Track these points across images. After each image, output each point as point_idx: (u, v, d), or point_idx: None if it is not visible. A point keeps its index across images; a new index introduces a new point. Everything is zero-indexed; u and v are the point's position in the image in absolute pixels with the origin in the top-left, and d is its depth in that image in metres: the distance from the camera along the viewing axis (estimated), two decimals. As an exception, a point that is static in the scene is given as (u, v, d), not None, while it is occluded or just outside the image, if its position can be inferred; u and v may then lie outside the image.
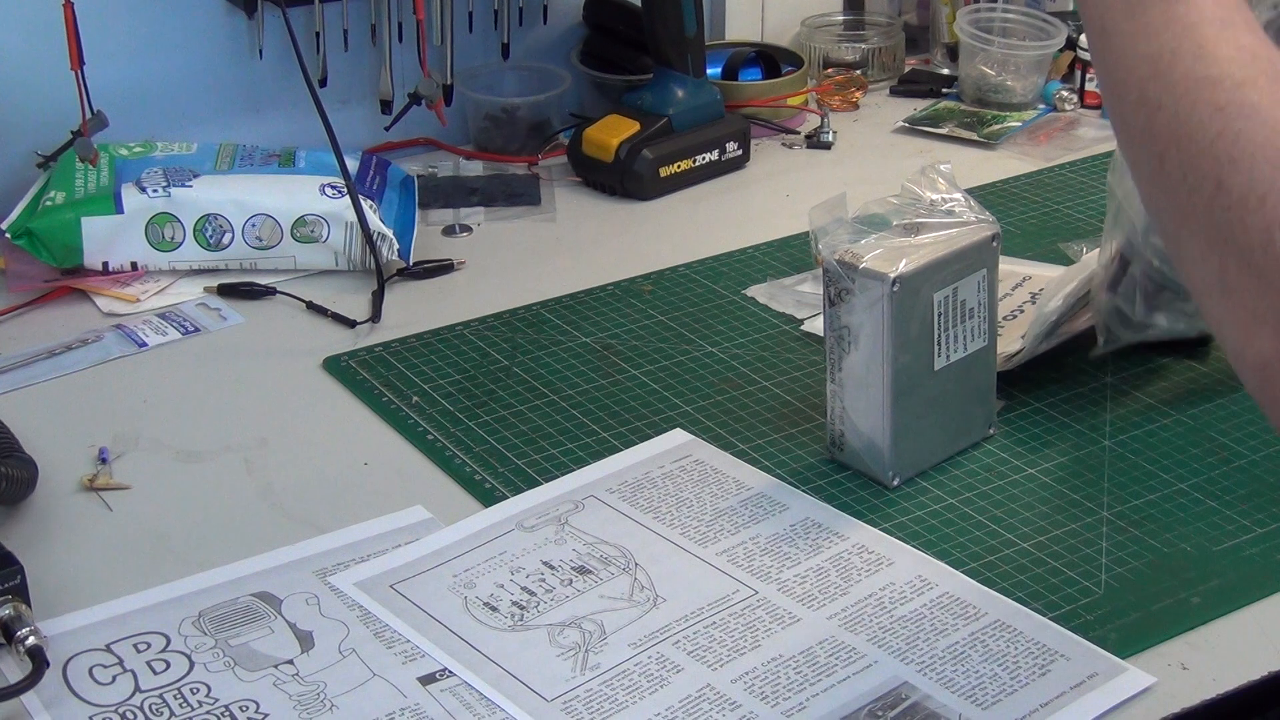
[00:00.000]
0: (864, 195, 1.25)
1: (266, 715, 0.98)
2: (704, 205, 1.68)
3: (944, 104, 1.92)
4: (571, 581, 1.09)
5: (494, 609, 1.07)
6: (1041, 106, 1.90)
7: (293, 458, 1.25)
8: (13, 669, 1.01)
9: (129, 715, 0.98)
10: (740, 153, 1.75)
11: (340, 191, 1.50)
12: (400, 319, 1.44)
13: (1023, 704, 0.98)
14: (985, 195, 1.65)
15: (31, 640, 1.00)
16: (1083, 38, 1.89)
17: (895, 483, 1.19)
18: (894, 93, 1.97)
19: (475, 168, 1.76)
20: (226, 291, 1.48)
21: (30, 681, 0.98)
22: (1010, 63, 1.89)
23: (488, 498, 1.19)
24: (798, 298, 1.46)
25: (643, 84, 1.75)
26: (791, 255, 1.55)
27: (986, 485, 1.20)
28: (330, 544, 1.14)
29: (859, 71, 1.96)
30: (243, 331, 1.43)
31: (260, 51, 1.69)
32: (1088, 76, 1.90)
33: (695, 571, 1.10)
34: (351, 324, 1.43)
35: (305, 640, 1.05)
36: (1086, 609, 1.07)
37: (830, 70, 1.96)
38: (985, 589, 1.08)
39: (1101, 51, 0.90)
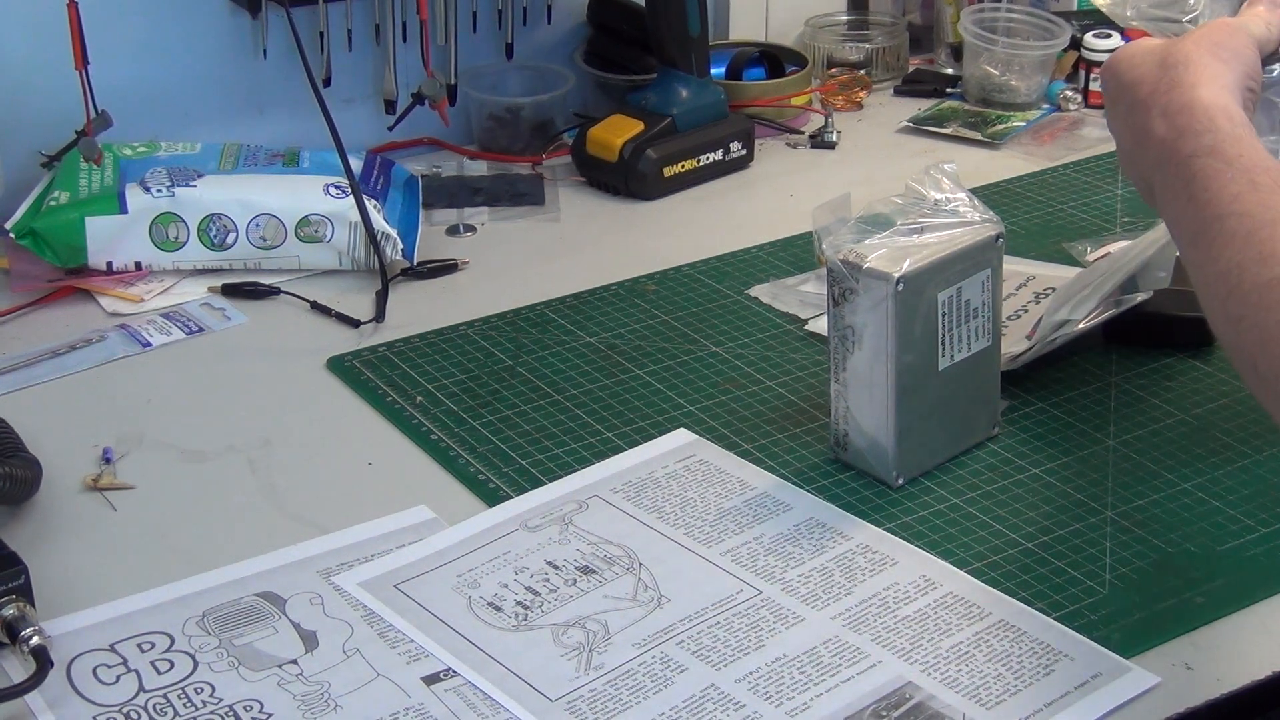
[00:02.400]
0: (868, 195, 1.25)
1: (270, 715, 0.98)
2: (708, 205, 1.68)
3: (948, 104, 1.92)
4: (575, 581, 1.09)
5: (498, 609, 1.07)
6: (1045, 106, 1.90)
7: (296, 458, 1.25)
8: (17, 669, 1.01)
9: (133, 715, 0.98)
10: (744, 153, 1.75)
11: (344, 191, 1.50)
12: (404, 319, 1.44)
13: (1027, 704, 0.98)
14: (989, 195, 1.65)
15: (35, 640, 1.00)
16: (1086, 37, 1.89)
17: (899, 482, 1.19)
18: (898, 93, 1.97)
19: (479, 167, 1.76)
20: (230, 291, 1.48)
21: (34, 681, 0.98)
22: (1014, 63, 1.89)
23: (491, 497, 1.19)
24: (801, 297, 1.46)
25: (647, 84, 1.75)
26: (795, 255, 1.55)
27: (990, 485, 1.20)
28: (334, 544, 1.14)
29: (863, 71, 1.96)
30: (246, 331, 1.44)
31: (264, 51, 1.69)
32: (1091, 76, 1.90)
33: (699, 571, 1.10)
34: (355, 324, 1.43)
35: (309, 640, 1.05)
36: (1090, 609, 1.07)
37: (834, 70, 1.96)
38: (989, 589, 1.08)
39: (1193, 282, 0.97)
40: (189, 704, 0.99)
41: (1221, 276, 0.92)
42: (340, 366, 1.37)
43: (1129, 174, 1.08)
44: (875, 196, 1.21)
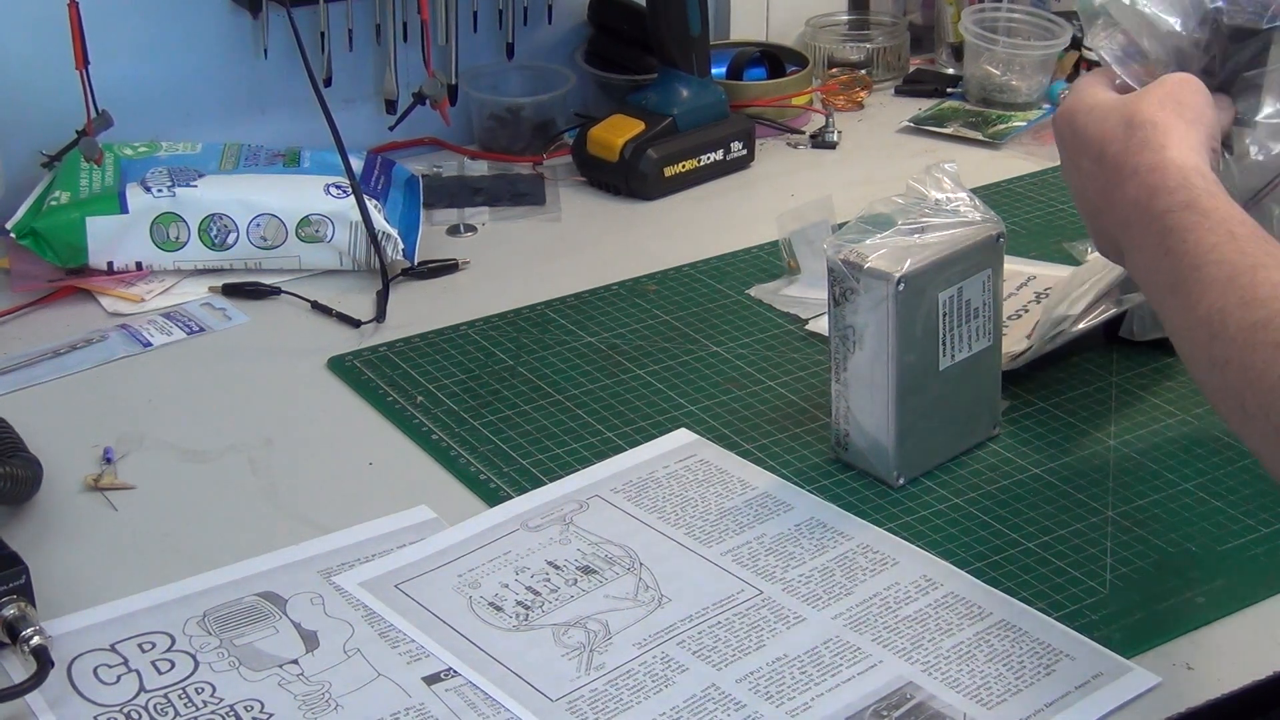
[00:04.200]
0: (868, 195, 1.25)
1: (271, 715, 0.98)
2: (708, 205, 1.68)
3: (949, 104, 1.92)
4: (576, 581, 1.09)
5: (499, 609, 1.07)
6: (1046, 106, 1.90)
7: (297, 458, 1.25)
8: (17, 669, 1.01)
9: (134, 715, 0.98)
10: (745, 152, 1.75)
11: (345, 191, 1.50)
12: (405, 319, 1.44)
13: (1027, 704, 0.98)
14: (990, 195, 1.65)
15: (36, 640, 1.00)
16: (1087, 37, 1.89)
17: (900, 482, 1.19)
18: (899, 92, 1.97)
19: (480, 167, 1.76)
20: (231, 291, 1.48)
21: (35, 681, 0.98)
22: (1015, 62, 1.89)
23: (492, 497, 1.19)
24: (786, 301, 1.46)
25: (647, 84, 1.75)
26: (796, 255, 1.55)
27: (991, 485, 1.20)
28: (335, 544, 1.14)
29: (864, 71, 1.96)
30: (247, 331, 1.44)
31: (265, 51, 1.69)
32: (1092, 76, 1.90)
33: (700, 571, 1.10)
34: (356, 324, 1.43)
35: (310, 640, 1.05)
36: (1091, 609, 1.07)
37: (835, 70, 1.96)
38: (990, 589, 1.08)
39: (1169, 333, 0.98)
40: (190, 704, 0.99)
41: (1203, 322, 0.93)
42: (341, 366, 1.37)
43: (1089, 226, 1.10)
44: (876, 196, 1.21)
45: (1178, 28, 1.10)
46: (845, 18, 2.02)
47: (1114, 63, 1.12)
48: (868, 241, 1.16)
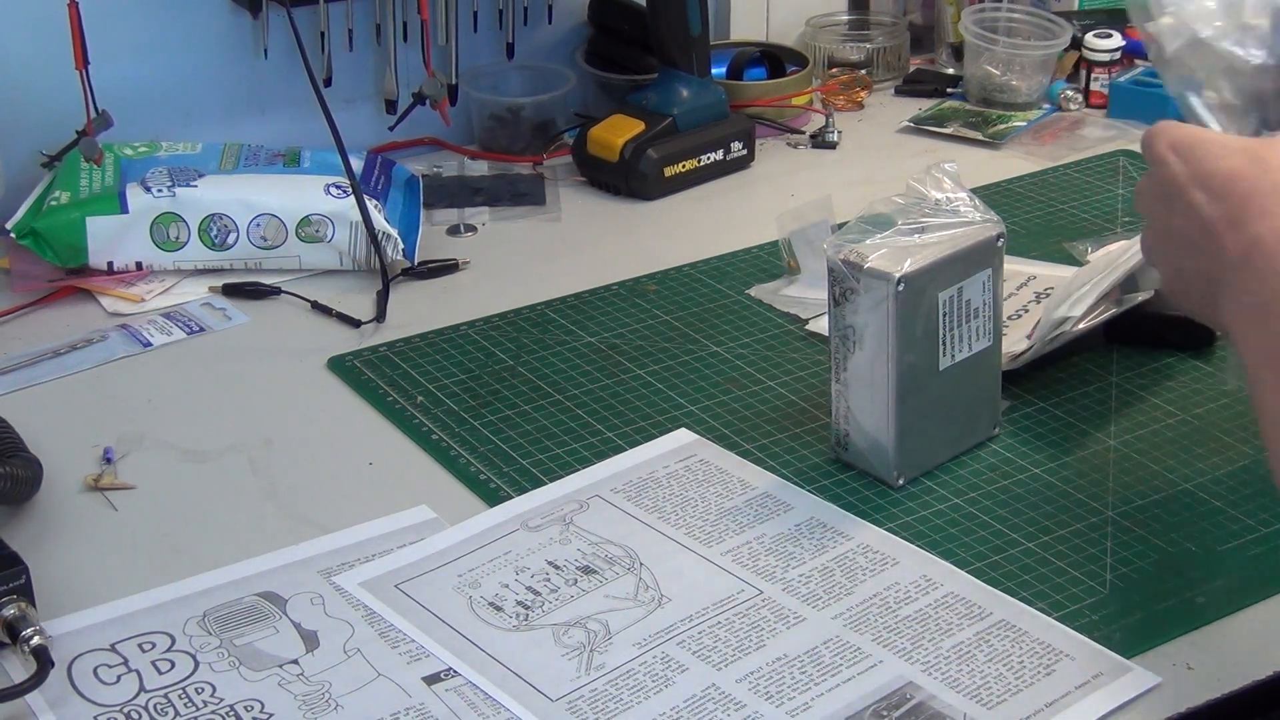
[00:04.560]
0: (869, 195, 1.25)
1: (271, 715, 0.98)
2: (708, 205, 1.68)
3: (949, 104, 1.92)
4: (576, 581, 1.09)
5: (499, 609, 1.07)
6: (1046, 106, 1.90)
7: (297, 457, 1.25)
8: (17, 669, 1.01)
9: (134, 715, 0.98)
10: (745, 152, 1.75)
11: (345, 191, 1.50)
12: (405, 319, 1.44)
13: (1028, 704, 0.98)
14: (990, 195, 1.65)
15: (36, 640, 1.00)
16: (1088, 37, 1.89)
17: (900, 482, 1.19)
18: (899, 92, 1.97)
19: (480, 167, 1.76)
20: (231, 291, 1.48)
21: (35, 681, 0.98)
22: (1015, 62, 1.89)
23: (492, 497, 1.19)
24: (785, 301, 1.46)
25: (647, 84, 1.75)
26: (796, 255, 1.55)
27: (991, 485, 1.20)
28: (335, 544, 1.14)
29: (864, 71, 1.96)
30: (247, 331, 1.44)
31: (265, 51, 1.69)
32: (1092, 76, 1.90)
33: (700, 571, 1.10)
34: (356, 324, 1.43)
35: (310, 640, 1.05)
36: (1091, 609, 1.07)
37: (835, 70, 1.96)
38: (990, 589, 1.08)
39: (1258, 407, 0.92)
40: (190, 704, 0.99)
41: None
42: (341, 366, 1.37)
43: (1168, 263, 1.03)
44: (876, 196, 1.21)
45: (1260, 61, 1.06)
46: (845, 18, 2.02)
47: (1198, 111, 1.08)
48: (868, 241, 1.16)
